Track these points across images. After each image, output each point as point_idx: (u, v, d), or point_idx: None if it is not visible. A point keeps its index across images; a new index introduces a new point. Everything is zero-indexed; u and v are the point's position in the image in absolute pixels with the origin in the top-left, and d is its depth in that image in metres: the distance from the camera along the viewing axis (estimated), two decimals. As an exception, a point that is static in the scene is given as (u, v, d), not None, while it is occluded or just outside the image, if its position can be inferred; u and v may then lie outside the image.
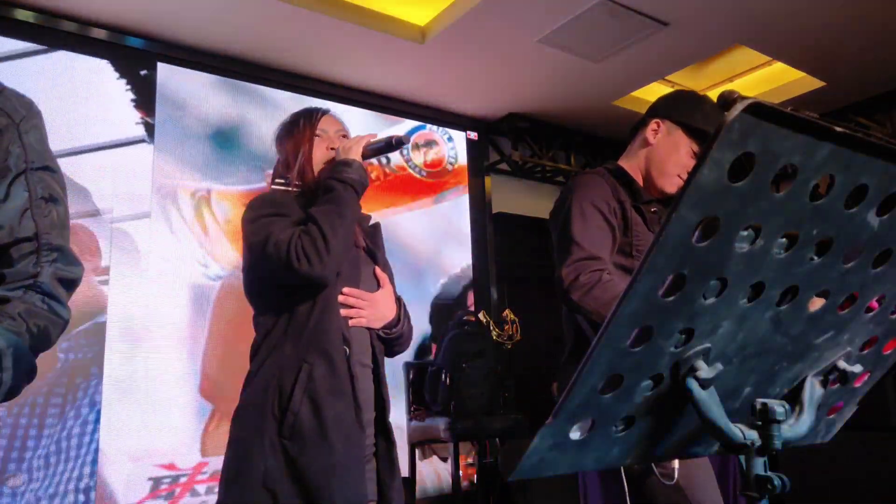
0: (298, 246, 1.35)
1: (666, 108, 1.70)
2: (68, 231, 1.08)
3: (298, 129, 1.58)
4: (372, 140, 1.53)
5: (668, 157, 1.67)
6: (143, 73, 3.36)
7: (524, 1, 3.07)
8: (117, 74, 3.28)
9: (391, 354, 1.61)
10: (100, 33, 3.18)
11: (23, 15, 2.99)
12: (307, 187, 1.53)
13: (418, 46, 3.48)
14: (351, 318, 1.46)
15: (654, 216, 1.72)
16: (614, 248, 1.61)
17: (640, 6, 3.13)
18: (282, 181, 1.56)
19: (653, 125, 1.70)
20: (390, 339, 1.56)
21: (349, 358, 1.41)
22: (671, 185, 1.68)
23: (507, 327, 3.97)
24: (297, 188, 1.54)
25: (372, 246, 1.64)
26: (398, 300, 1.60)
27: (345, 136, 1.62)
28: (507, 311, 4.07)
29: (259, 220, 1.44)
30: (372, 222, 1.71)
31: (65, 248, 1.06)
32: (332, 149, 1.56)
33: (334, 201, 1.42)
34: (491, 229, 4.51)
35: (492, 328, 3.92)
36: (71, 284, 1.06)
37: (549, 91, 4.09)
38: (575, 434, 0.65)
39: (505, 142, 4.59)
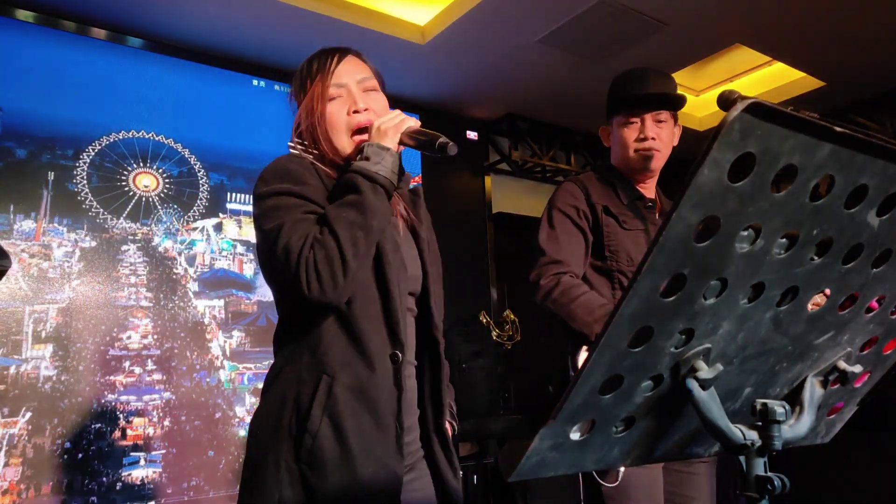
0: (310, 263, 1.09)
1: (606, 113, 1.90)
2: None
3: (311, 80, 1.29)
4: (415, 128, 1.20)
5: (620, 146, 1.82)
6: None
7: (524, 1, 3.07)
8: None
9: None
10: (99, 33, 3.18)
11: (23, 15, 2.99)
12: (326, 156, 1.28)
13: (418, 46, 3.48)
14: None
15: (649, 211, 1.82)
16: (588, 250, 1.74)
17: (640, 6, 3.13)
18: (300, 142, 1.30)
19: (603, 134, 1.91)
20: None
21: (399, 365, 1.16)
22: (636, 161, 1.80)
23: (507, 327, 3.97)
24: (315, 154, 1.28)
25: (413, 217, 1.35)
26: None
27: (372, 90, 1.32)
28: (507, 312, 4.07)
29: (271, 197, 1.18)
30: (412, 185, 1.40)
31: None
32: (356, 111, 1.27)
33: (359, 207, 1.12)
34: (491, 229, 4.51)
35: (492, 328, 3.91)
36: None
37: (549, 91, 4.08)
38: (575, 435, 0.65)
39: (505, 142, 4.59)
